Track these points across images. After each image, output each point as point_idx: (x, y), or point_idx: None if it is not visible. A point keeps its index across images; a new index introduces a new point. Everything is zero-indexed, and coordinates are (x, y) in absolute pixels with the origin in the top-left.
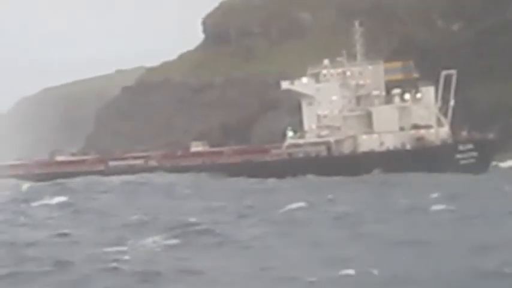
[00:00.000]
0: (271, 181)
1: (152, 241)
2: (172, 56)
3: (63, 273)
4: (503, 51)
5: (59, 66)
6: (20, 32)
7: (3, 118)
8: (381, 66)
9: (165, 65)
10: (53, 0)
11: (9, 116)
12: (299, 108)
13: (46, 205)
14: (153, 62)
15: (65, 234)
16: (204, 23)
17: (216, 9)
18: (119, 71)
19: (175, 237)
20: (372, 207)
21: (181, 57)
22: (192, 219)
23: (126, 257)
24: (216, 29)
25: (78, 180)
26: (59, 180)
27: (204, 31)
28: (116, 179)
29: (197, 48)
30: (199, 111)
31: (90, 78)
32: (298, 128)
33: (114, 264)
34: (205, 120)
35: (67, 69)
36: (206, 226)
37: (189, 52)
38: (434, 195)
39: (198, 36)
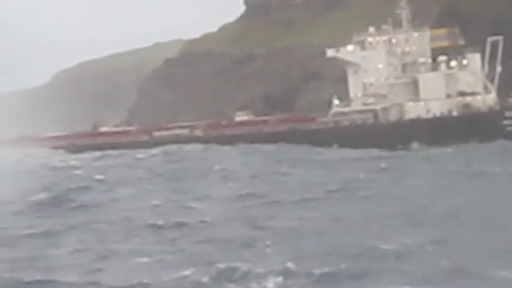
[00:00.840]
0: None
1: None
2: (211, 29)
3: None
4: None
5: (96, 39)
6: (58, 5)
7: (41, 90)
8: (426, 33)
9: (207, 37)
10: None
11: (47, 88)
12: (342, 78)
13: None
14: (191, 34)
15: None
16: None
17: None
18: (157, 44)
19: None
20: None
21: (222, 28)
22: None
23: None
24: (257, 0)
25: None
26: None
27: (245, 2)
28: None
29: (238, 20)
30: (241, 83)
31: (128, 51)
32: (344, 97)
33: None
34: (247, 91)
35: (105, 43)
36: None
37: (230, 24)
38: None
39: (239, 8)
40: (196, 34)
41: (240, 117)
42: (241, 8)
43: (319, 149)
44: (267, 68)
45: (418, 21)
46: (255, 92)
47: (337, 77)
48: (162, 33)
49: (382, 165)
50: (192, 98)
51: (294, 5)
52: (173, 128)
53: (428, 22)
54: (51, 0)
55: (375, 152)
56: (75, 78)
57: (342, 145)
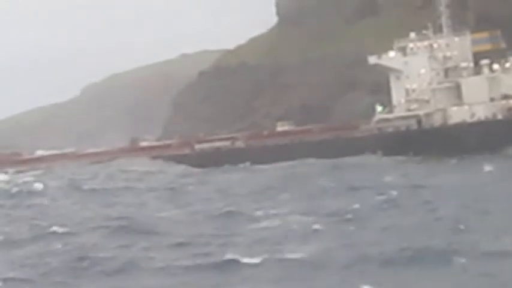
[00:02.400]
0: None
1: None
2: (239, 39)
3: None
4: None
5: (123, 52)
6: (84, 19)
7: (71, 104)
8: (467, 38)
9: (239, 48)
10: None
11: (76, 102)
12: (378, 86)
13: None
14: (217, 45)
15: None
16: (277, 4)
17: None
18: (183, 55)
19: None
20: None
21: (255, 39)
22: None
23: None
24: (290, 10)
25: None
26: None
27: (278, 13)
28: None
29: (271, 30)
30: (277, 94)
31: (155, 63)
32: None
33: None
34: (283, 102)
35: (132, 55)
36: None
37: (263, 34)
38: None
39: (267, 18)
40: (223, 45)
41: (282, 127)
42: (270, 19)
43: None
44: (302, 78)
45: (458, 26)
46: (291, 103)
47: (374, 85)
48: (188, 44)
49: None
50: (228, 111)
51: (327, 13)
52: (214, 140)
53: (465, 28)
54: (78, 13)
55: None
56: (104, 92)
57: (386, 152)
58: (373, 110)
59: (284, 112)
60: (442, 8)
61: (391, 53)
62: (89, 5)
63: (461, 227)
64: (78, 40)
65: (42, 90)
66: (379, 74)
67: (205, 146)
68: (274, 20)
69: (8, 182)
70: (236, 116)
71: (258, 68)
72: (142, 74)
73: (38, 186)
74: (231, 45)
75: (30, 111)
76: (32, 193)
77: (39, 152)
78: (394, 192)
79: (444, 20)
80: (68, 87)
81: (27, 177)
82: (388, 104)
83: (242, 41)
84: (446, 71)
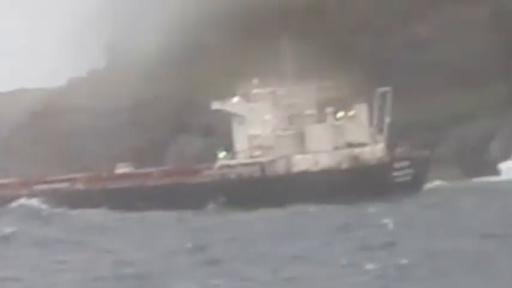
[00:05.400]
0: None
1: None
2: (59, 80)
3: None
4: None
5: None
6: None
7: None
8: (312, 85)
9: (67, 89)
10: None
11: None
12: (210, 129)
13: None
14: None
15: None
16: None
17: None
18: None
19: None
20: None
21: (79, 80)
22: None
23: None
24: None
25: None
26: None
27: (108, 54)
28: None
29: (96, 72)
30: (109, 135)
31: None
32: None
33: None
34: (116, 143)
35: None
36: None
37: (87, 76)
38: None
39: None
40: (41, 84)
41: (121, 169)
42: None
43: None
44: (135, 120)
45: (303, 73)
46: (123, 144)
47: (205, 128)
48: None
49: None
50: (60, 153)
51: (155, 56)
52: (54, 181)
53: (310, 75)
54: None
55: None
56: None
57: (229, 200)
58: (208, 153)
59: (117, 154)
60: (286, 55)
61: (235, 99)
62: None
63: None
64: None
65: None
66: (211, 117)
67: (45, 187)
68: (86, 62)
69: None
70: (69, 158)
71: (89, 109)
72: None
73: None
74: (49, 85)
75: None
76: None
77: None
78: None
79: (288, 67)
80: None
81: None
82: (230, 149)
83: (62, 80)
84: (291, 118)
